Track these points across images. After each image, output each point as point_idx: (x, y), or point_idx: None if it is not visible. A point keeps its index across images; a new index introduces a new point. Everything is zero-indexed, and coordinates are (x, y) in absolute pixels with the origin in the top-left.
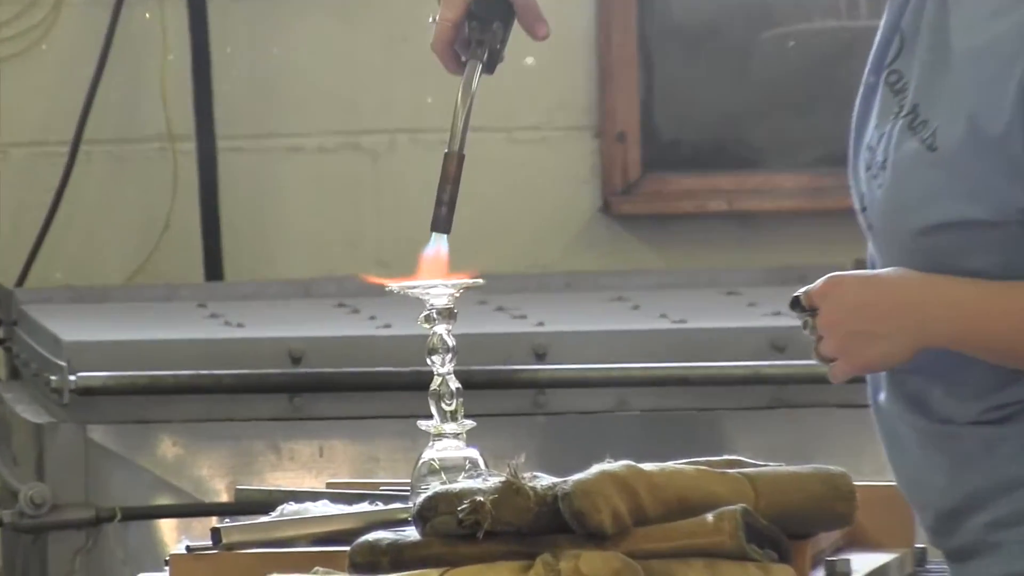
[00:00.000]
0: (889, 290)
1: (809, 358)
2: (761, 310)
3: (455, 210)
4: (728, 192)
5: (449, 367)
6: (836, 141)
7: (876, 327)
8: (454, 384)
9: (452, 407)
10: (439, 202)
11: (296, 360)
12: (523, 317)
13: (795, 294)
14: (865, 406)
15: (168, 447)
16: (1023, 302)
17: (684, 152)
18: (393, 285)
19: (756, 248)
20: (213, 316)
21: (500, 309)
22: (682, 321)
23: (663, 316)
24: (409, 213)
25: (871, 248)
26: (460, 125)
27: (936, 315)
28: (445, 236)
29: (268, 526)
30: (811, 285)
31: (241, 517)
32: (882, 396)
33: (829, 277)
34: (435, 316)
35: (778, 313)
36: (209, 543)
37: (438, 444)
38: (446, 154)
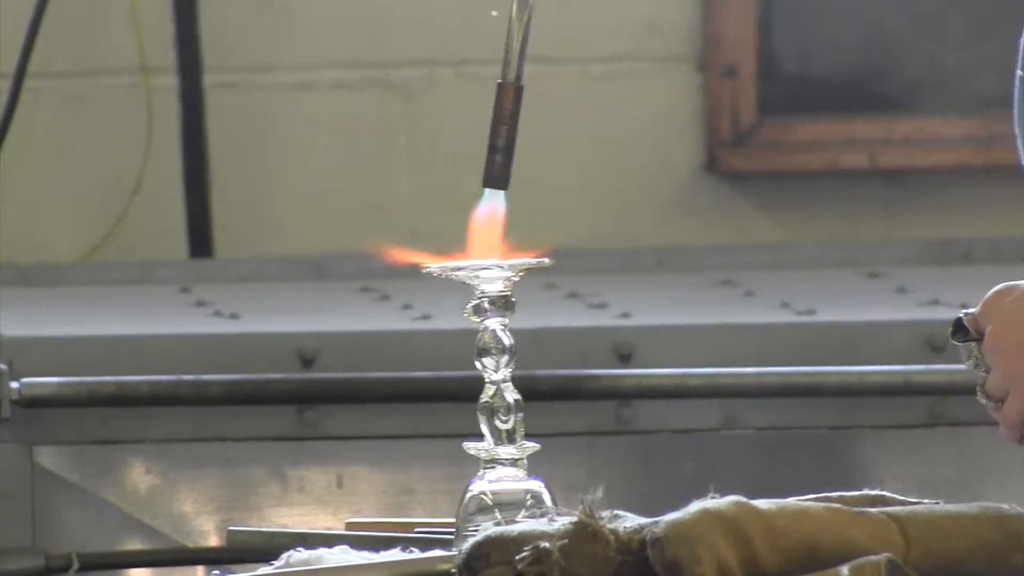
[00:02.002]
0: None
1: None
2: (913, 298)
3: (513, 160)
4: (870, 143)
5: (505, 372)
6: (1012, 74)
7: None
8: (512, 395)
9: (509, 424)
10: (492, 148)
11: (307, 362)
12: (602, 306)
13: (959, 315)
14: None
15: (139, 475)
16: None
17: (813, 91)
18: (432, 265)
19: (907, 216)
20: (199, 304)
21: (573, 296)
22: (810, 312)
23: (785, 305)
24: (452, 169)
25: None
26: (517, 46)
27: None
28: (502, 193)
29: None
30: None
31: (235, 568)
32: None
33: (998, 288)
34: (487, 306)
35: (935, 302)
36: None
37: (491, 473)
38: (499, 85)
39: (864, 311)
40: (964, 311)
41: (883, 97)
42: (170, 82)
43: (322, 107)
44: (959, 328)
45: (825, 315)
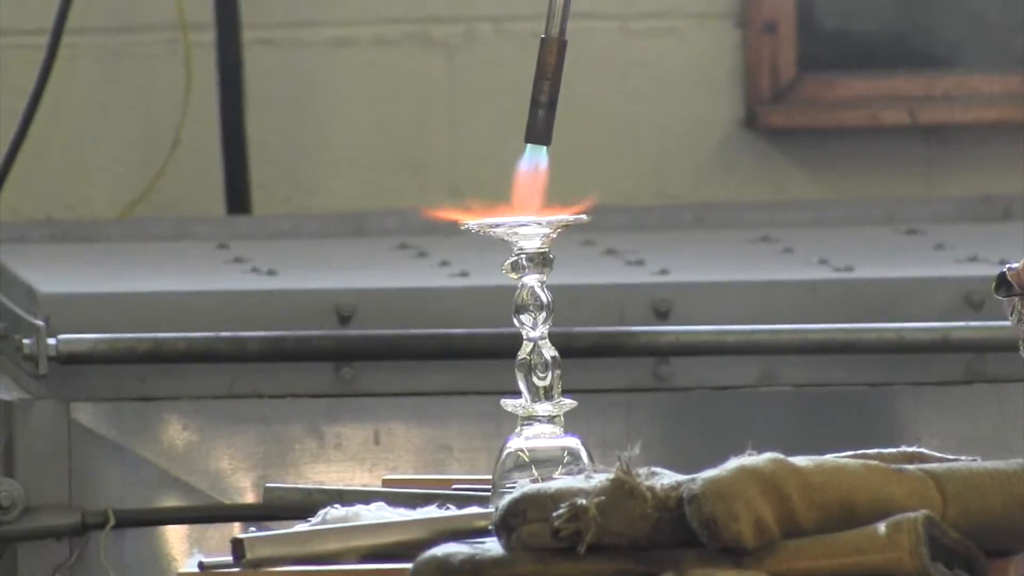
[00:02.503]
0: None
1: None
2: (952, 254)
3: (555, 115)
4: (910, 99)
5: (543, 329)
6: None
7: None
8: (549, 352)
9: (546, 381)
10: (535, 104)
11: (345, 319)
12: (640, 263)
13: (1002, 270)
14: None
15: (176, 432)
16: None
17: (853, 47)
18: (471, 221)
19: (946, 173)
20: (237, 260)
21: (611, 252)
22: (848, 269)
23: (823, 262)
24: (491, 125)
25: None
26: (560, 1)
27: None
28: (544, 149)
29: (306, 537)
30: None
31: (271, 524)
32: None
33: None
34: (525, 263)
35: (974, 259)
36: (229, 558)
37: (528, 430)
38: (543, 40)
39: (903, 268)
40: (1008, 266)
41: (923, 53)
42: (208, 38)
43: (361, 63)
44: (1002, 283)
45: (864, 272)
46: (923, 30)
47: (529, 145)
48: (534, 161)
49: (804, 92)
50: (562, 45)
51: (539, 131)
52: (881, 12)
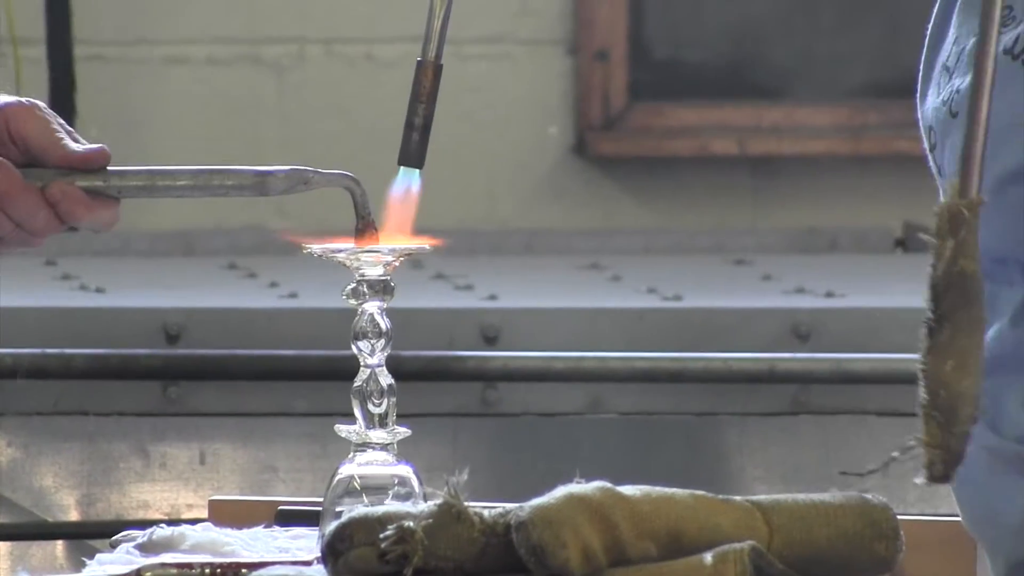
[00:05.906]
0: None
1: (841, 349)
2: (779, 285)
3: (428, 138)
4: (739, 129)
5: (380, 356)
6: (882, 64)
7: None
8: (385, 379)
9: (382, 409)
10: (409, 126)
11: (173, 338)
12: (469, 288)
13: None
14: (913, 414)
15: (0, 448)
16: None
17: (683, 77)
18: (314, 246)
19: (774, 204)
20: (65, 277)
21: (439, 277)
22: (676, 298)
23: (651, 291)
24: (321, 146)
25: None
26: (438, 23)
27: None
28: (417, 172)
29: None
30: None
31: (94, 543)
32: None
33: None
34: (365, 290)
35: (801, 290)
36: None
37: (360, 456)
38: (419, 63)
39: (730, 298)
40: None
41: (753, 84)
42: (39, 53)
43: (193, 82)
44: None
45: (692, 301)
46: (753, 61)
47: (402, 168)
48: (406, 184)
49: (634, 120)
50: (437, 69)
51: (413, 154)
52: (712, 43)
